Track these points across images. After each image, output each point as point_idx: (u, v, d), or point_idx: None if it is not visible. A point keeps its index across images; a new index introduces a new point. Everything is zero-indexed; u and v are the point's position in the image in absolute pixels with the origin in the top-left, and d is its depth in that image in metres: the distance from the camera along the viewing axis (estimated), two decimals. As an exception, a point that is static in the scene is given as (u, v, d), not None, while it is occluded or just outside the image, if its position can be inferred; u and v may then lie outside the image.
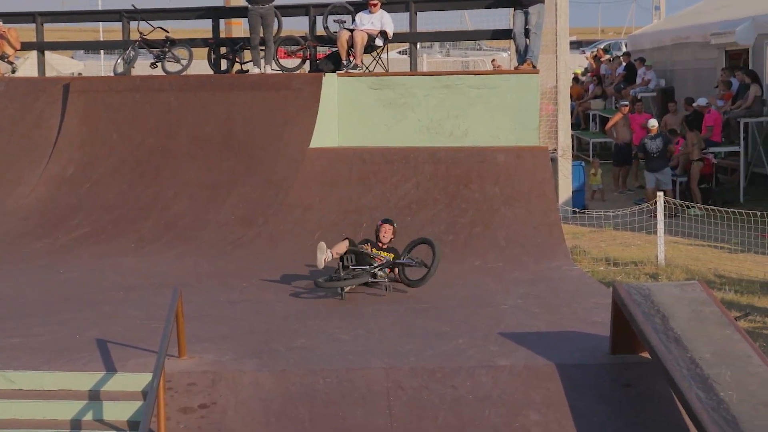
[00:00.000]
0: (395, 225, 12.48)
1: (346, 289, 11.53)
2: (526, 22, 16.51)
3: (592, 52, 36.18)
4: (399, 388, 8.71)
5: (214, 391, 8.67)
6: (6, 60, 20.00)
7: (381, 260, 11.98)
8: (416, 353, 9.30)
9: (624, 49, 33.18)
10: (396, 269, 11.93)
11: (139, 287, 12.33)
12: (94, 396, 8.65)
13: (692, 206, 17.67)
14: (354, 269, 11.61)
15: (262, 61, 17.37)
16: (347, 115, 16.05)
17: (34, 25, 20.06)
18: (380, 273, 11.76)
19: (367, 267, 11.65)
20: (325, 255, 11.72)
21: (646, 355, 8.84)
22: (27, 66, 25.71)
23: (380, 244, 12.24)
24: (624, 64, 28.23)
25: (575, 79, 29.76)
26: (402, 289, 11.78)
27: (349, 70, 16.64)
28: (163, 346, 8.15)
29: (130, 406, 8.51)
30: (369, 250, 12.09)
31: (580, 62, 37.09)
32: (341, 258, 11.65)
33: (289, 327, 10.32)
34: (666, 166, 20.96)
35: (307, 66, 17.92)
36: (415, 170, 15.17)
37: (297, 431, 8.34)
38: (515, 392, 8.67)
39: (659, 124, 22.34)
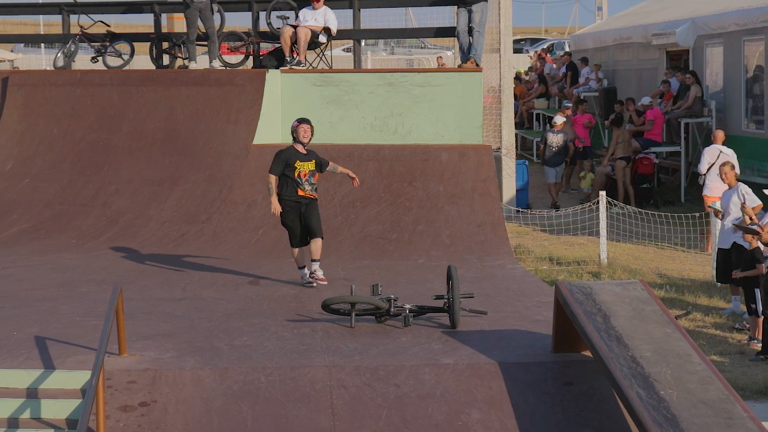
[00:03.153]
0: (312, 124, 12.15)
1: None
2: (470, 20, 16.55)
3: (536, 51, 36.39)
4: (342, 387, 8.68)
5: (154, 389, 8.58)
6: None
7: (305, 174, 11.83)
8: (360, 351, 9.27)
9: (567, 49, 33.39)
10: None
11: (80, 284, 12.19)
12: (32, 394, 8.53)
13: (615, 204, 17.82)
14: (371, 307, 10.17)
15: (206, 56, 17.22)
16: (291, 111, 15.97)
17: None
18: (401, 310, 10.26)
19: (384, 308, 10.14)
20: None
21: (587, 353, 8.88)
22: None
23: (302, 150, 11.95)
24: (565, 64, 28.40)
25: (518, 78, 29.90)
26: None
27: (293, 67, 16.58)
28: (102, 343, 8.05)
29: (69, 404, 8.40)
30: (294, 173, 11.84)
31: (523, 61, 37.27)
32: (373, 287, 10.55)
33: (231, 325, 10.25)
34: (563, 162, 21.58)
35: (250, 62, 17.81)
36: (358, 168, 15.08)
37: (239, 430, 8.28)
38: (458, 390, 8.68)
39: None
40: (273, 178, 11.89)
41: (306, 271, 12.08)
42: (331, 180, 14.93)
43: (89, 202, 15.51)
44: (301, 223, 11.91)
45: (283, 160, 11.88)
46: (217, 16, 17.24)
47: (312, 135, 12.07)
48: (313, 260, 11.97)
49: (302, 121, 12.09)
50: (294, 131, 12.03)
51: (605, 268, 15.67)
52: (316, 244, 11.89)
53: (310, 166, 11.95)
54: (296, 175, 11.87)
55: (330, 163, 12.31)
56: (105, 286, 11.40)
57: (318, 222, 11.94)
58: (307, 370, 8.83)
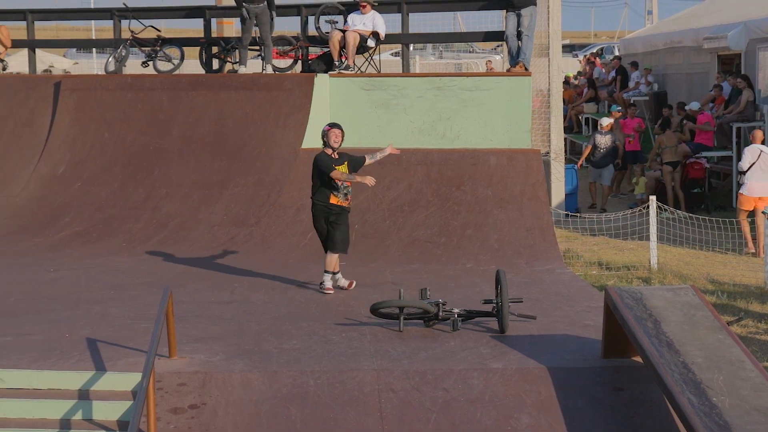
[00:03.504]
0: (343, 129, 12.03)
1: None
2: (519, 24, 16.51)
3: (585, 55, 36.21)
4: (390, 390, 8.67)
5: (204, 392, 8.63)
6: (-3, 58, 19.95)
7: (339, 179, 11.78)
8: (408, 355, 9.27)
9: (616, 53, 33.20)
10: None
11: (130, 287, 12.28)
12: (84, 395, 8.61)
13: (665, 209, 17.66)
14: (418, 311, 10.19)
15: (261, 60, 17.31)
16: (339, 115, 16.00)
17: (25, 23, 20.00)
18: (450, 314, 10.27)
19: (433, 311, 10.17)
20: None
21: (638, 359, 8.81)
22: (17, 62, 25.63)
23: (333, 154, 11.91)
24: (615, 68, 28.22)
25: (567, 82, 29.75)
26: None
27: (341, 71, 16.61)
28: (153, 345, 8.10)
29: (120, 406, 8.47)
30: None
31: (572, 66, 37.10)
32: (421, 291, 10.54)
33: (280, 328, 10.28)
34: (610, 164, 21.47)
35: (299, 66, 17.87)
36: (407, 172, 15.15)
37: (287, 433, 8.31)
38: (507, 395, 8.64)
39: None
40: (336, 172, 11.77)
41: (338, 275, 12.14)
42: (380, 184, 14.92)
43: (140, 205, 15.64)
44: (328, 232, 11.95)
45: (325, 162, 11.89)
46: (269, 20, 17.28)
47: (342, 140, 11.97)
48: (325, 271, 12.00)
49: (333, 125, 12.03)
50: (324, 135, 11.97)
51: (655, 273, 15.52)
52: (331, 258, 11.94)
53: (343, 169, 11.92)
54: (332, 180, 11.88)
55: (366, 158, 12.19)
56: (155, 289, 11.48)
57: (342, 236, 11.87)
58: (356, 373, 8.83)
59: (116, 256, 14.21)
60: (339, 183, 11.81)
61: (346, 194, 11.88)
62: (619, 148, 21.82)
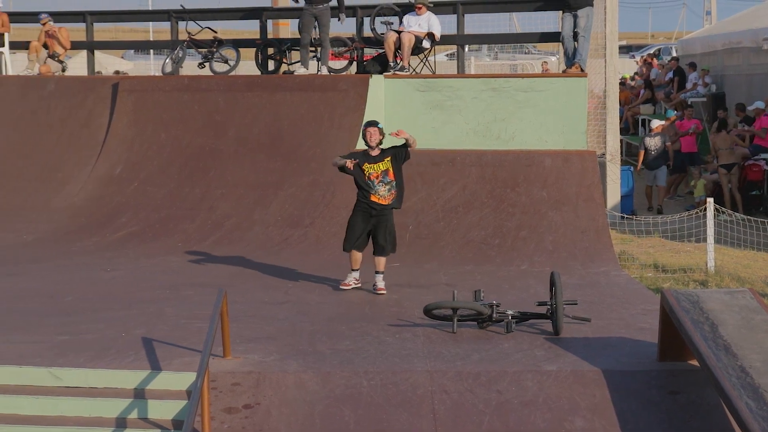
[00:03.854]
0: (381, 126, 11.94)
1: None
2: (575, 25, 16.42)
3: (642, 56, 35.93)
4: (443, 392, 8.65)
5: (258, 392, 8.66)
6: (56, 59, 20.20)
7: (377, 176, 11.77)
8: (462, 357, 9.24)
9: (674, 54, 32.90)
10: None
11: (185, 287, 12.36)
12: (139, 394, 8.67)
13: (723, 212, 17.45)
14: (473, 312, 10.16)
15: (315, 61, 17.36)
16: (394, 116, 16.02)
17: (84, 24, 20.24)
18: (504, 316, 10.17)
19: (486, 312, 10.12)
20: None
21: (694, 362, 8.72)
22: (77, 64, 25.94)
23: (371, 152, 11.88)
24: (673, 69, 27.98)
25: (623, 83, 29.53)
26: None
27: (396, 72, 16.61)
28: (207, 345, 8.14)
29: (175, 405, 8.52)
30: (363, 171, 11.81)
31: (629, 67, 36.81)
32: (475, 293, 10.62)
33: (333, 328, 10.30)
34: (663, 165, 21.39)
35: (354, 68, 17.90)
36: (461, 173, 15.11)
37: (340, 433, 8.32)
38: (561, 398, 8.59)
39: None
40: (338, 159, 11.89)
41: (357, 273, 12.11)
42: (434, 186, 14.95)
43: (195, 206, 15.75)
44: (366, 230, 11.89)
45: (352, 158, 11.88)
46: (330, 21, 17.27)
47: (382, 136, 11.88)
48: (377, 272, 12.01)
49: (369, 124, 12.00)
50: (362, 135, 11.99)
51: (712, 276, 15.36)
52: (380, 259, 11.96)
53: (383, 166, 11.84)
54: (366, 177, 11.83)
55: (406, 142, 11.94)
56: (209, 289, 11.53)
57: (388, 237, 11.88)
58: (409, 374, 8.82)
59: (172, 255, 14.32)
60: (372, 180, 11.80)
61: (389, 190, 11.84)
62: (669, 150, 21.65)
